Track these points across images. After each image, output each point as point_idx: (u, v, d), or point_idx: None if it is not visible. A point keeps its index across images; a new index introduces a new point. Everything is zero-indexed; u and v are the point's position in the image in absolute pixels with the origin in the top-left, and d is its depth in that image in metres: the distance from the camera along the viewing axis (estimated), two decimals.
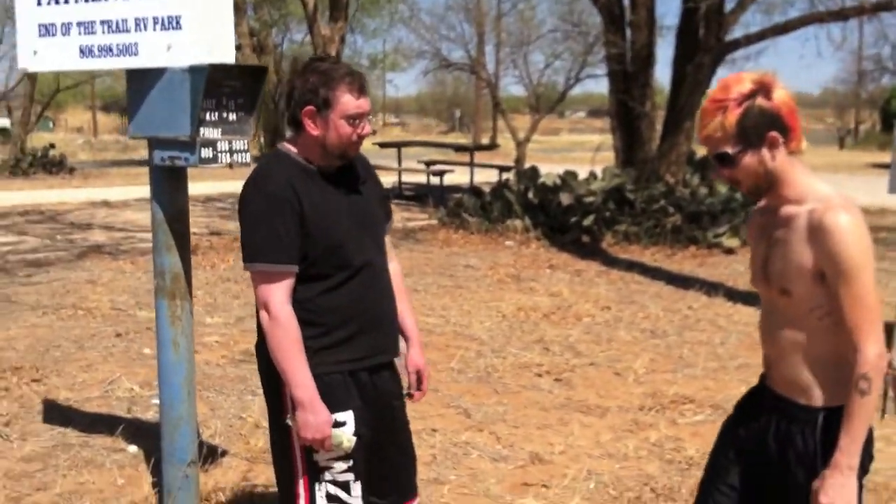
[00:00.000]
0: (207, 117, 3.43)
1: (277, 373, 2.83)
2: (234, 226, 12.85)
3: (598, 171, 12.60)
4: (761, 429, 2.61)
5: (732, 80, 2.45)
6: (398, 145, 18.19)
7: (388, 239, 3.14)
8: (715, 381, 6.04)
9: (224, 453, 4.55)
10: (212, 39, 3.40)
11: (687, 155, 13.00)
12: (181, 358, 3.74)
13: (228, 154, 3.52)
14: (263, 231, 2.76)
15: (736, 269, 9.69)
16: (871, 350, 2.32)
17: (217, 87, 3.42)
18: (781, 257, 2.46)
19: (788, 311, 2.47)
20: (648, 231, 10.85)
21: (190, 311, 3.78)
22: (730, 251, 10.53)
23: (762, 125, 2.39)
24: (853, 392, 2.35)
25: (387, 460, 3.07)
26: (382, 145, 18.40)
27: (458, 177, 17.40)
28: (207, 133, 3.44)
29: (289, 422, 2.87)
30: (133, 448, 4.53)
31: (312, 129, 2.81)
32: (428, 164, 16.69)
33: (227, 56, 3.41)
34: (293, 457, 2.94)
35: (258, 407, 5.21)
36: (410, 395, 3.17)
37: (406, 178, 17.64)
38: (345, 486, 2.92)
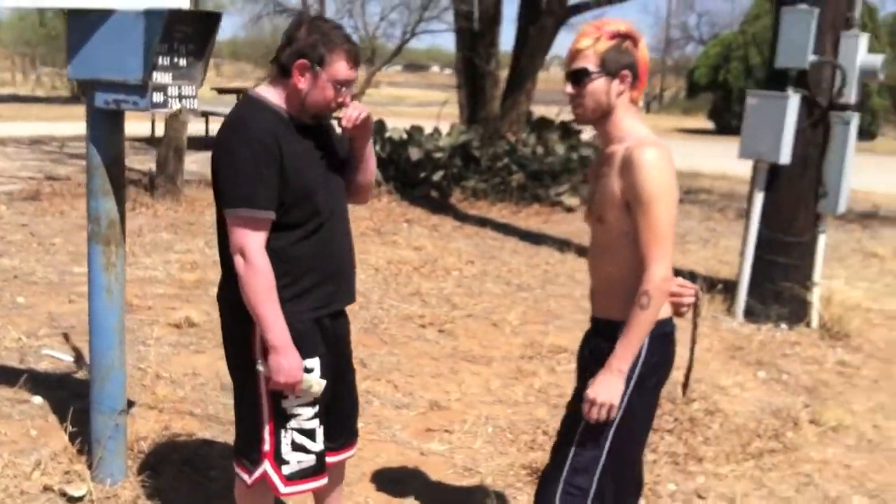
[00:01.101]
0: (160, 62, 3.36)
1: (246, 319, 2.86)
2: (66, 171, 12.32)
3: (442, 127, 12.82)
4: (584, 353, 2.96)
5: (611, 19, 2.83)
6: (238, 91, 17.65)
7: None
8: (583, 332, 6.40)
9: (132, 404, 4.49)
10: None
11: (526, 115, 13.41)
12: (115, 305, 3.68)
13: (178, 99, 3.47)
14: (246, 177, 2.78)
15: (580, 227, 10.15)
16: (657, 272, 2.61)
17: (169, 31, 3.35)
18: (600, 189, 2.78)
19: (603, 238, 2.79)
20: (495, 188, 11.19)
21: (123, 257, 3.71)
22: (570, 209, 11.02)
23: (622, 61, 2.75)
24: (634, 305, 2.64)
25: (338, 405, 3.16)
26: (221, 91, 17.86)
27: None
28: (159, 78, 3.38)
29: (259, 367, 2.90)
30: (38, 399, 4.40)
31: (299, 81, 2.84)
32: None
33: (180, 1, 3.34)
34: (259, 404, 2.97)
35: (154, 356, 5.14)
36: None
37: None
38: (310, 434, 2.99)
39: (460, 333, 6.08)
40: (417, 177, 11.33)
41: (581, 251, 8.83)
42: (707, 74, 33.81)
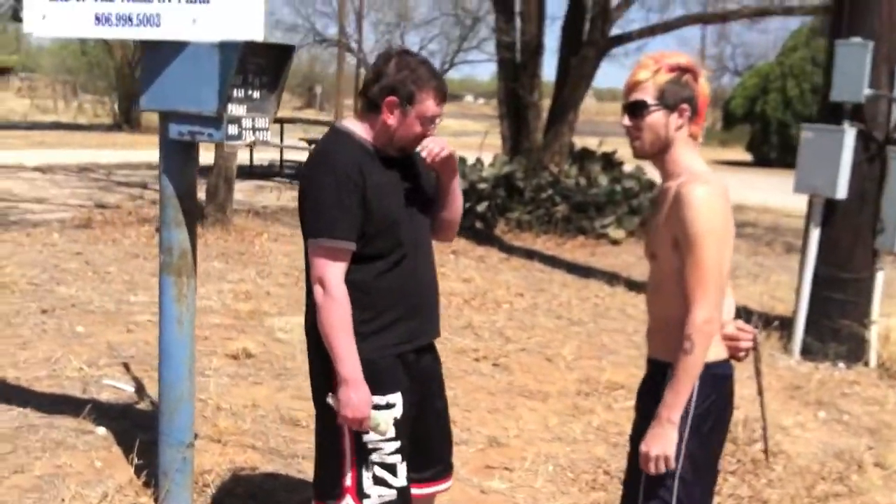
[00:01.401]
0: (234, 94, 3.38)
1: (327, 352, 2.85)
2: (115, 198, 12.43)
3: (484, 157, 12.82)
4: (642, 393, 2.87)
5: (670, 52, 2.75)
6: (278, 121, 17.77)
7: None
8: (638, 368, 6.30)
9: (195, 436, 4.47)
10: (240, 15, 3.34)
11: (569, 146, 13.38)
12: (185, 336, 3.68)
13: (252, 132, 3.48)
14: (330, 207, 2.79)
15: (626, 260, 10.11)
16: (700, 314, 2.53)
17: (243, 63, 3.36)
18: (654, 225, 2.74)
19: (657, 276, 2.73)
20: (539, 219, 11.15)
21: (194, 288, 3.71)
22: (615, 242, 10.96)
23: (682, 95, 2.68)
24: (679, 351, 2.56)
25: (426, 438, 3.13)
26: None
27: None
28: (234, 110, 3.39)
29: (329, 400, 2.89)
30: (101, 429, 4.40)
31: (388, 117, 2.87)
32: (310, 142, 16.44)
33: (256, 33, 3.35)
34: (342, 437, 2.96)
35: (214, 387, 5.13)
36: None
37: (287, 155, 17.37)
38: (391, 469, 2.96)
39: (515, 368, 6.03)
40: (463, 208, 11.30)
41: (630, 285, 8.77)
42: (743, 105, 33.66)
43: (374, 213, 2.83)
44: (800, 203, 15.07)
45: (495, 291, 7.87)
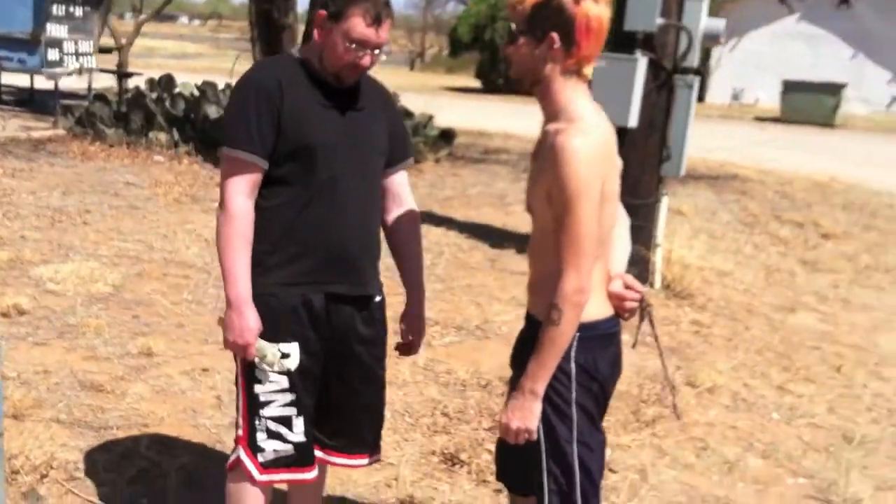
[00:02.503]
0: (54, 10, 2.75)
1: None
2: None
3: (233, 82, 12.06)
4: (518, 349, 2.68)
5: None
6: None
7: (402, 180, 2.93)
8: (447, 303, 6.18)
9: None
10: None
11: None
12: None
13: (75, 57, 2.88)
14: (236, 117, 2.64)
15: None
16: (570, 283, 2.32)
17: None
18: (532, 175, 2.52)
19: (533, 230, 2.54)
20: None
21: None
22: None
23: (549, 21, 2.36)
24: (545, 320, 2.36)
25: (339, 406, 2.87)
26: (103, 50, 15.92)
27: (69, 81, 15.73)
28: (54, 31, 2.77)
29: (219, 325, 2.68)
30: None
31: (317, 35, 2.65)
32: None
33: None
34: (237, 385, 2.77)
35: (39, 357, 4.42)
36: (396, 348, 2.92)
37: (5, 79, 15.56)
38: (286, 422, 2.74)
39: None
40: (217, 136, 10.61)
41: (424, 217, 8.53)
42: (469, 33, 34.24)
43: (286, 132, 2.60)
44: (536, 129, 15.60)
45: None
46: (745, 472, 4.43)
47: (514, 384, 2.68)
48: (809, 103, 24.25)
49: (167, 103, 11.16)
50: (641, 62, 6.56)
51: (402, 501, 3.77)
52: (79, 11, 2.48)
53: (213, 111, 10.82)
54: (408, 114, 12.46)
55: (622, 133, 6.61)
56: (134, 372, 4.43)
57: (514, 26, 2.43)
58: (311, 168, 2.64)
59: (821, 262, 8.67)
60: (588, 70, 2.47)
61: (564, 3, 2.35)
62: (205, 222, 7.25)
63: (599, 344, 2.55)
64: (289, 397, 2.73)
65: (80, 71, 2.68)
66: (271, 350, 2.66)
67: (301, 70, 2.68)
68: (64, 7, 2.40)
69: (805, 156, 16.55)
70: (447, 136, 12.07)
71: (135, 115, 10.84)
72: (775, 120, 23.86)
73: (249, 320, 2.59)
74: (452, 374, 4.98)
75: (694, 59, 6.80)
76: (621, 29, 6.67)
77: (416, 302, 3.02)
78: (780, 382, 5.55)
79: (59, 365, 4.41)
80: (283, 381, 2.71)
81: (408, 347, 3.05)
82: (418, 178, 10.62)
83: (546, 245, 2.45)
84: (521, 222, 8.54)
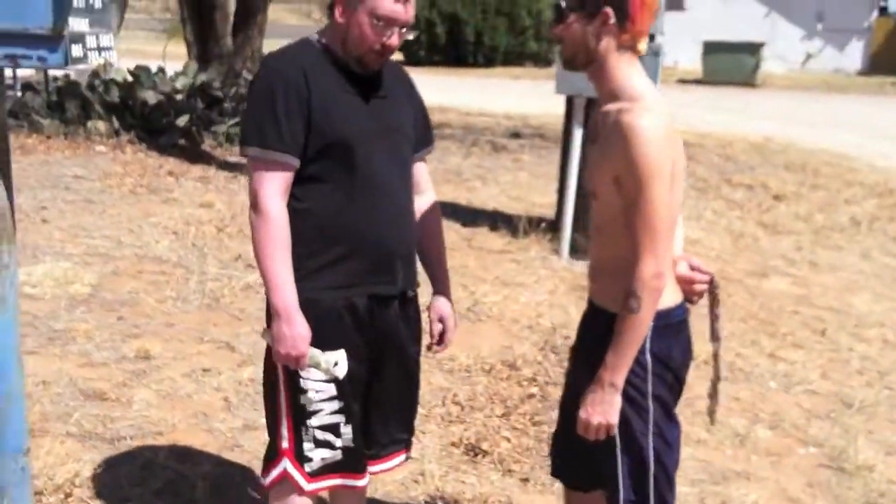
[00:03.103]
0: (74, 2, 2.56)
1: None
2: None
3: (169, 67, 11.68)
4: (583, 333, 2.68)
5: None
6: None
7: (423, 168, 2.79)
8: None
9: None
10: None
11: (259, 51, 12.57)
12: (9, 317, 2.82)
13: (97, 52, 2.68)
14: (262, 112, 2.47)
15: None
16: (648, 268, 2.27)
17: None
18: (593, 158, 2.47)
19: (598, 216, 2.47)
20: None
21: (16, 258, 2.86)
22: None
23: None
24: (622, 309, 2.31)
25: (382, 414, 2.77)
26: None
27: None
28: (76, 24, 2.57)
29: (264, 337, 2.57)
30: None
31: (339, 15, 2.48)
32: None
33: None
34: (278, 396, 2.62)
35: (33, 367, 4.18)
36: (430, 347, 2.80)
37: None
38: (334, 429, 2.63)
39: None
40: (160, 123, 10.26)
41: None
42: None
43: (319, 125, 2.45)
44: (472, 102, 15.55)
45: (244, 215, 7.17)
46: (756, 444, 4.45)
47: (577, 376, 2.62)
48: (730, 64, 24.56)
49: (101, 90, 10.74)
50: None
51: (433, 497, 3.70)
52: (98, 3, 2.30)
53: (150, 96, 10.45)
54: None
55: (591, 104, 6.65)
56: (135, 377, 4.24)
57: (563, 3, 2.35)
58: (345, 163, 2.52)
59: (779, 224, 8.79)
60: (642, 45, 2.40)
61: None
62: (168, 214, 7.01)
63: (673, 332, 2.50)
64: (336, 405, 2.62)
65: (105, 67, 2.50)
66: (324, 358, 2.55)
67: (323, 57, 2.53)
68: None
69: (734, 116, 16.77)
70: None
71: (69, 103, 10.38)
72: (697, 82, 24.13)
73: (301, 328, 2.48)
74: (455, 361, 4.90)
75: (661, 26, 6.77)
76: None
77: (444, 295, 2.90)
78: (770, 350, 5.61)
79: (56, 374, 4.20)
80: (331, 389, 2.60)
81: (441, 343, 2.93)
82: None
83: (614, 230, 2.39)
84: (487, 198, 8.48)
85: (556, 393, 4.63)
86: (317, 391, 2.59)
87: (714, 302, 2.61)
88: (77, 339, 4.54)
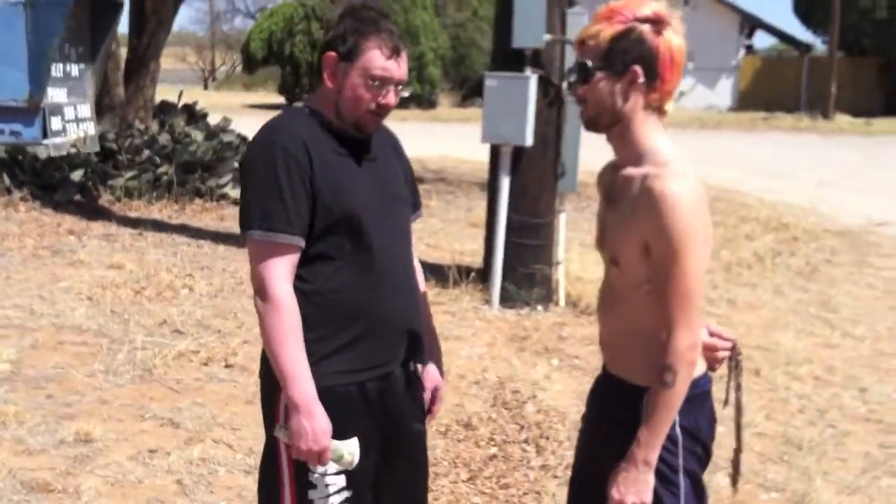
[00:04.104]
0: (53, 71, 2.35)
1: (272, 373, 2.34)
2: None
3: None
4: (596, 414, 2.58)
5: (638, 1, 2.27)
6: None
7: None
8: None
9: None
10: None
11: (152, 100, 12.21)
12: None
13: (76, 124, 2.46)
14: (263, 192, 2.30)
15: None
16: (683, 340, 2.19)
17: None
18: (614, 223, 2.35)
19: (618, 284, 2.37)
20: (149, 185, 10.00)
21: None
22: (237, 203, 10.14)
23: (632, 54, 2.22)
24: (657, 383, 2.23)
25: (394, 494, 2.61)
26: None
27: None
28: (54, 94, 2.36)
29: (278, 433, 2.37)
30: None
31: (329, 79, 2.35)
32: None
33: None
34: (281, 493, 2.44)
35: None
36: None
37: None
38: None
39: (251, 365, 5.25)
40: (54, 178, 9.81)
41: None
42: (263, 48, 33.50)
43: (325, 202, 2.31)
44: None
45: (161, 276, 6.86)
46: (719, 492, 4.41)
47: (598, 452, 2.50)
48: None
49: None
50: (532, 79, 6.52)
51: None
52: (75, 70, 2.11)
53: (41, 150, 9.96)
54: (244, 139, 11.98)
55: (517, 153, 6.63)
56: (78, 463, 3.93)
57: (589, 63, 2.25)
58: (352, 238, 2.37)
59: None
60: (669, 106, 2.33)
61: (645, 34, 2.21)
62: (78, 277, 6.64)
63: (699, 403, 2.42)
64: (346, 494, 2.45)
65: (84, 141, 2.27)
66: (346, 449, 2.38)
67: (316, 126, 2.38)
68: (61, 67, 2.03)
69: None
70: None
71: None
72: None
73: (321, 422, 2.31)
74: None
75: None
76: (508, 47, 6.59)
77: (436, 364, 2.76)
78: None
79: None
80: (341, 481, 2.43)
81: (430, 412, 2.78)
82: None
83: (637, 298, 2.30)
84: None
85: (517, 452, 4.55)
86: (327, 485, 2.42)
87: (737, 370, 2.53)
88: (7, 424, 4.19)
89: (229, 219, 9.49)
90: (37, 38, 2.24)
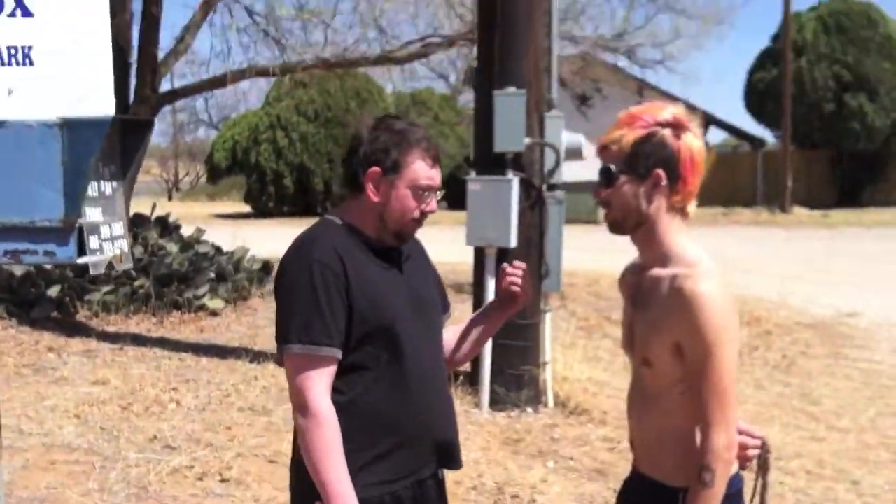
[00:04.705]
0: (89, 191, 2.39)
1: (312, 489, 2.32)
2: None
3: None
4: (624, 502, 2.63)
5: (658, 105, 2.40)
6: None
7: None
8: None
9: None
10: (80, 80, 2.37)
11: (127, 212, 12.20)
12: None
13: (111, 242, 2.49)
14: (303, 306, 2.33)
15: (239, 331, 9.44)
16: (720, 439, 2.21)
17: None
18: (644, 325, 2.41)
19: (651, 384, 2.41)
20: (127, 298, 9.94)
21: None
22: (215, 313, 10.11)
23: (654, 157, 2.31)
24: (695, 482, 2.24)
25: None
26: None
27: None
28: (91, 214, 2.40)
29: None
30: None
31: (374, 194, 2.40)
32: None
33: (105, 105, 2.41)
34: None
35: None
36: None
37: None
38: None
39: (246, 478, 5.18)
40: (30, 294, 9.72)
41: (265, 356, 8.12)
42: (227, 158, 33.65)
43: (361, 311, 2.34)
44: None
45: (146, 390, 6.78)
46: None
47: None
48: (575, 203, 25.56)
49: None
50: (515, 182, 6.65)
51: None
52: (108, 189, 2.11)
53: (18, 268, 9.91)
54: (218, 249, 12.01)
55: (502, 255, 6.71)
56: None
57: (613, 167, 2.33)
58: (388, 348, 2.41)
59: None
60: (692, 207, 2.41)
61: (666, 138, 2.30)
62: (62, 395, 6.55)
63: (733, 503, 2.44)
64: None
65: (121, 258, 2.25)
66: None
67: (351, 238, 2.43)
68: (96, 185, 2.04)
69: (589, 254, 17.30)
70: (267, 268, 11.68)
71: None
72: None
73: None
74: None
75: (561, 175, 6.97)
76: (489, 151, 6.73)
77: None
78: None
79: None
80: None
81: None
82: (251, 316, 10.16)
83: (671, 398, 2.34)
84: None
85: None
86: None
87: (765, 468, 2.56)
88: None
89: (209, 330, 9.45)
90: (73, 158, 2.28)
